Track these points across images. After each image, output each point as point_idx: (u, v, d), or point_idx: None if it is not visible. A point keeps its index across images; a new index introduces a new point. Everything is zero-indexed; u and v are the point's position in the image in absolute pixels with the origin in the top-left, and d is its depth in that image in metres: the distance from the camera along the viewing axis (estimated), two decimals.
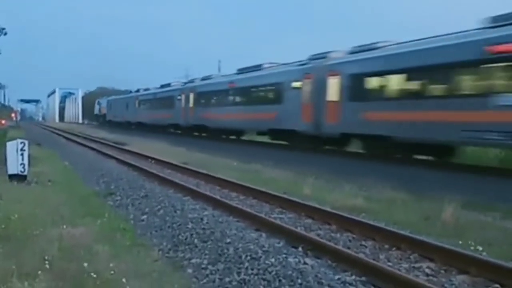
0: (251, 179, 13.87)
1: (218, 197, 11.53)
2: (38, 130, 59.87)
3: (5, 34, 13.76)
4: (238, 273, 6.49)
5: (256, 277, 6.27)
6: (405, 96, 17.94)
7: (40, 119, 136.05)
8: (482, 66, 15.01)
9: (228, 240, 7.77)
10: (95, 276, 5.53)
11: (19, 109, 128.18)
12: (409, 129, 17.37)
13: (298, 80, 23.92)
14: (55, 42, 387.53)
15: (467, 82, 15.83)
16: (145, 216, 10.20)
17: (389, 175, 14.06)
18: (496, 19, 15.29)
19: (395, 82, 18.56)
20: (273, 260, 6.69)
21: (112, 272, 5.77)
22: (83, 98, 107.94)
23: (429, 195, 10.74)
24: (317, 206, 10.11)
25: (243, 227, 8.74)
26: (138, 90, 56.19)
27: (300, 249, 7.35)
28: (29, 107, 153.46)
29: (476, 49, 14.93)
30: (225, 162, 18.89)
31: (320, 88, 22.16)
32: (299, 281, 5.94)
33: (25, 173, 13.57)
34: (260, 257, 6.86)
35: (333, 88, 21.23)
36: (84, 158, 21.91)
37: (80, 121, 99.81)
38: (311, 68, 23.20)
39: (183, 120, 39.62)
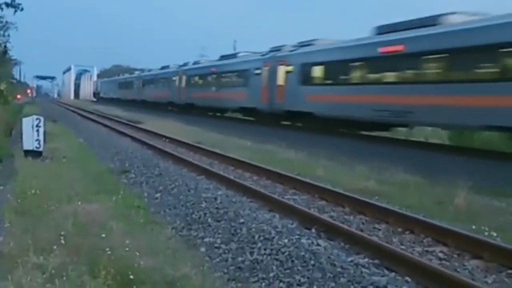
0: (264, 160, 13.86)
1: (231, 177, 11.57)
2: (53, 107, 60.23)
3: (22, 9, 13.75)
4: (251, 253, 6.53)
5: (269, 257, 6.30)
6: (204, 86, 37.85)
7: (55, 95, 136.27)
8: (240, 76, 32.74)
9: (242, 220, 7.81)
10: (109, 252, 5.58)
11: (34, 85, 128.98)
12: (206, 102, 36.95)
13: (176, 76, 43.79)
14: (72, 19, 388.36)
15: (230, 81, 33.67)
16: (159, 194, 10.26)
17: (400, 157, 14.00)
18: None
19: (201, 80, 38.85)
20: (286, 241, 6.72)
21: (126, 248, 5.82)
22: (98, 75, 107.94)
23: (441, 179, 10.64)
24: (330, 188, 10.11)
25: (257, 208, 8.78)
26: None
27: (313, 230, 7.37)
28: (45, 84, 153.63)
29: (250, 70, 30.59)
30: (238, 142, 18.90)
31: (180, 81, 42.32)
32: (312, 262, 5.97)
33: (41, 149, 13.69)
34: (273, 237, 6.89)
35: (182, 82, 41.84)
36: (99, 135, 22.07)
37: (95, 98, 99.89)
38: (179, 71, 43.80)
39: (137, 97, 58.80)
